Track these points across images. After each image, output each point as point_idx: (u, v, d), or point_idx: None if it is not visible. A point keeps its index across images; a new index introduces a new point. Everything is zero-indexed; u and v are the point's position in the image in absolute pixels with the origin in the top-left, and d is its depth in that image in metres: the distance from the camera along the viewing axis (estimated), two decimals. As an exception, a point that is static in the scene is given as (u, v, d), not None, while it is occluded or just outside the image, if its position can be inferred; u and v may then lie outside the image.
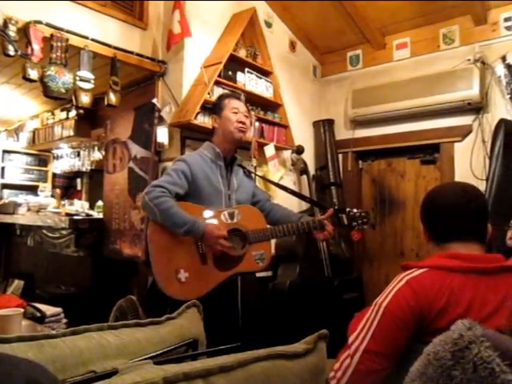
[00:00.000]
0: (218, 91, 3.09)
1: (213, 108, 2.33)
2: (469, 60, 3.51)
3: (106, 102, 3.04)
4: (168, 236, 1.95)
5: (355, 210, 2.24)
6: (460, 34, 3.64)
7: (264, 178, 3.00)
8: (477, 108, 3.52)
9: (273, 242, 2.29)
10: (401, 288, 1.13)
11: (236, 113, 2.21)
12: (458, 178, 3.63)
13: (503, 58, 3.37)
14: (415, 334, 1.10)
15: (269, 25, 3.92)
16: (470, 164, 3.53)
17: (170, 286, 1.91)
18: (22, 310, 1.64)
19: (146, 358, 0.86)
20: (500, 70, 3.40)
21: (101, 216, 3.90)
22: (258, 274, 2.34)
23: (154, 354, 0.90)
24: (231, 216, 2.08)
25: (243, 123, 2.21)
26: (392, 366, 1.10)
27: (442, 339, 0.76)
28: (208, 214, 2.04)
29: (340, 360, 1.15)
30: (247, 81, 3.41)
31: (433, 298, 1.09)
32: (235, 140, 2.21)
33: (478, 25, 3.54)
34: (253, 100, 3.49)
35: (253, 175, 2.44)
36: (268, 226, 2.17)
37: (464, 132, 3.62)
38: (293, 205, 3.34)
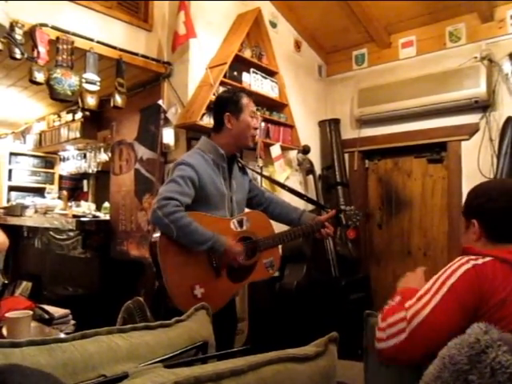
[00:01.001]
0: (224, 92, 3.09)
1: (227, 104, 2.04)
2: (475, 58, 3.49)
3: (111, 104, 3.05)
4: (179, 250, 1.84)
5: (348, 208, 2.24)
6: (466, 31, 3.62)
7: (265, 177, 2.95)
8: (484, 106, 3.49)
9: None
10: (468, 270, 1.12)
11: (253, 116, 2.06)
12: (465, 177, 3.61)
13: (510, 55, 3.35)
14: (464, 327, 1.08)
15: (274, 25, 3.91)
16: (477, 162, 3.51)
17: (186, 304, 1.73)
18: (31, 313, 1.64)
19: (156, 362, 0.86)
20: (507, 67, 3.38)
21: (107, 217, 3.92)
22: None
23: (164, 357, 0.90)
24: (240, 224, 2.02)
25: (257, 129, 2.11)
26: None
27: (457, 343, 0.75)
28: (219, 223, 1.95)
29: (391, 320, 1.12)
30: (253, 81, 3.41)
31: (495, 289, 1.09)
32: (246, 147, 2.15)
33: (485, 22, 3.52)
34: (258, 100, 3.48)
35: (247, 170, 2.32)
36: (276, 232, 2.13)
37: (471, 130, 3.60)
38: (299, 204, 3.33)
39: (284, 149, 3.74)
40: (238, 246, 1.91)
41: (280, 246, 2.21)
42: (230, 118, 2.02)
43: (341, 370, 1.16)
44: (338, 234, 3.82)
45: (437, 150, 3.93)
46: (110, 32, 3.01)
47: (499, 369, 0.69)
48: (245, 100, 2.04)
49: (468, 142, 3.63)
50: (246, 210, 2.21)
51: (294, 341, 1.18)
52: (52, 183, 6.09)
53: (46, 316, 2.08)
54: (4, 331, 1.58)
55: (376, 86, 4.06)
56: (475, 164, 3.52)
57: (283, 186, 2.48)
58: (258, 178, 3.28)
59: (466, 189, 3.56)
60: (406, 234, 4.15)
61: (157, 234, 1.87)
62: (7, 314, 1.58)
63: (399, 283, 1.39)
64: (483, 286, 1.09)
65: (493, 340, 0.71)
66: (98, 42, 2.89)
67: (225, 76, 3.12)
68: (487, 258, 1.15)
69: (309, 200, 2.50)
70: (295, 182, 4.02)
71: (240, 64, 3.32)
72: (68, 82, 2.69)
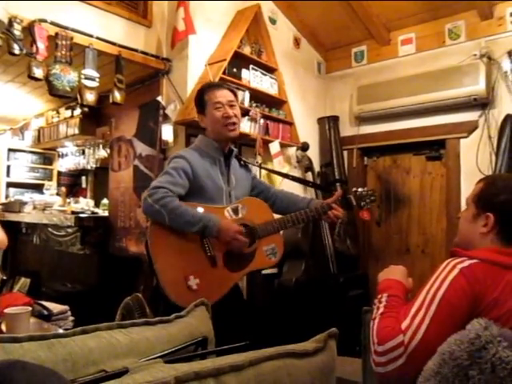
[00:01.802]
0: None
1: (195, 105, 2.09)
2: (475, 55, 3.49)
3: (110, 100, 3.04)
4: (170, 240, 1.81)
5: (361, 189, 2.17)
6: (466, 29, 3.62)
7: (266, 169, 2.92)
8: (483, 104, 3.50)
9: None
10: (456, 277, 1.10)
11: (220, 107, 1.98)
12: (464, 175, 3.62)
13: (509, 53, 3.35)
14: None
15: (273, 21, 3.91)
16: (476, 160, 3.51)
17: (181, 296, 1.74)
18: (30, 309, 1.64)
19: (156, 357, 0.86)
20: (506, 65, 3.38)
21: (106, 214, 3.92)
22: (263, 271, 2.30)
23: (164, 352, 0.90)
24: (235, 211, 1.94)
25: (230, 117, 1.98)
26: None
27: (457, 338, 0.76)
28: (212, 212, 1.87)
29: (389, 346, 1.08)
30: (252, 78, 3.41)
31: (487, 289, 1.08)
32: (227, 139, 2.04)
33: (484, 19, 3.52)
34: (257, 97, 3.49)
35: (250, 166, 2.26)
36: (276, 217, 2.04)
37: (470, 128, 3.60)
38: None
39: (283, 146, 3.74)
40: (234, 225, 1.84)
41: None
42: (200, 117, 2.05)
43: (339, 366, 1.16)
44: (336, 231, 3.82)
45: (435, 148, 3.93)
46: (109, 28, 3.00)
47: (499, 364, 0.69)
48: (206, 94, 2.01)
49: (467, 139, 3.63)
50: None
51: (292, 337, 1.18)
52: (50, 179, 6.09)
53: (45, 312, 2.07)
54: (3, 327, 1.58)
55: (375, 83, 4.05)
56: (474, 161, 3.52)
57: (287, 176, 2.42)
58: (258, 172, 3.27)
59: (464, 186, 3.57)
60: (404, 232, 4.16)
61: (148, 225, 1.85)
62: (6, 310, 1.57)
63: (381, 274, 1.38)
64: (475, 288, 1.08)
65: (493, 336, 0.71)
66: (98, 38, 2.89)
67: (224, 73, 3.12)
68: (474, 260, 1.14)
69: (314, 185, 2.46)
70: (294, 179, 4.02)
71: (239, 60, 3.32)
72: (67, 77, 2.69)
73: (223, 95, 2.01)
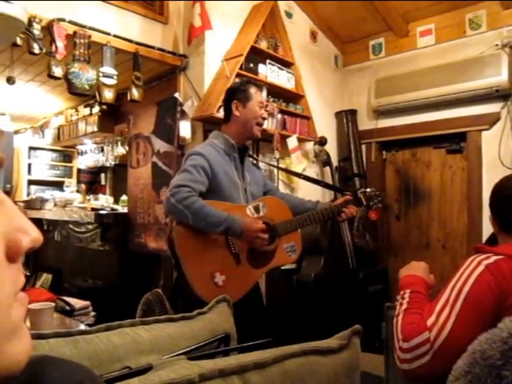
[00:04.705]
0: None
1: (235, 92, 2.09)
2: (497, 45, 3.40)
3: (128, 98, 3.06)
4: (196, 238, 1.84)
5: (369, 190, 2.20)
6: (487, 18, 3.53)
7: (282, 169, 2.93)
8: (505, 95, 3.41)
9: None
10: (481, 273, 1.09)
11: (262, 107, 2.07)
12: (485, 168, 3.54)
13: (533, 43, 3.26)
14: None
15: (289, 15, 3.88)
16: (498, 153, 3.43)
17: (207, 292, 1.77)
18: (54, 304, 1.67)
19: (179, 354, 0.86)
20: (530, 54, 3.29)
21: (125, 210, 3.95)
22: (282, 267, 2.32)
23: (187, 349, 0.90)
24: (257, 209, 1.99)
25: (264, 119, 2.10)
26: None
27: (488, 337, 0.74)
28: (234, 210, 1.92)
29: (414, 343, 1.07)
30: (269, 72, 3.39)
31: None
32: (253, 137, 2.12)
33: (506, 8, 3.43)
34: (275, 92, 3.47)
35: (260, 164, 2.32)
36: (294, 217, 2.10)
37: (492, 120, 3.52)
38: (317, 196, 3.33)
39: (301, 140, 3.72)
40: (256, 223, 1.87)
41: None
42: (237, 105, 2.05)
43: (361, 362, 1.15)
44: (355, 226, 3.79)
45: (456, 141, 3.85)
46: (126, 25, 3.02)
47: (534, 364, 0.67)
48: (253, 89, 2.07)
49: (488, 131, 3.55)
50: None
51: (312, 333, 1.17)
52: (70, 177, 6.18)
53: (67, 307, 2.11)
54: (27, 323, 1.61)
55: (394, 75, 3.99)
56: (496, 154, 3.44)
57: (299, 175, 2.47)
58: (275, 170, 3.26)
59: (486, 180, 3.50)
60: (424, 226, 4.10)
61: (173, 225, 1.87)
62: (30, 306, 1.60)
63: (402, 270, 1.37)
64: (501, 285, 1.06)
65: (527, 334, 0.69)
66: (115, 36, 2.90)
67: (241, 68, 3.11)
68: (500, 256, 1.13)
69: (326, 185, 2.48)
70: (312, 173, 3.99)
71: (256, 55, 3.31)
72: (85, 76, 2.71)
73: (263, 98, 2.17)
